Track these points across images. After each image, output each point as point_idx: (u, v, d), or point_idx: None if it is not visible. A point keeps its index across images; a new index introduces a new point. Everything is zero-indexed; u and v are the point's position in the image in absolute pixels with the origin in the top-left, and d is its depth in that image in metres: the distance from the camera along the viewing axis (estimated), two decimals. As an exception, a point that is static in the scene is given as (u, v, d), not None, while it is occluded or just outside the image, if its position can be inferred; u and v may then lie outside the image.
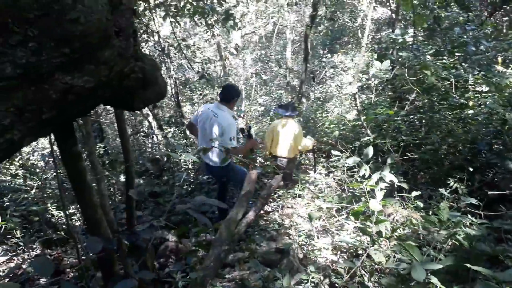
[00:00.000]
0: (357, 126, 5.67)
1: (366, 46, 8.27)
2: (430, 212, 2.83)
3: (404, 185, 3.08)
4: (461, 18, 4.98)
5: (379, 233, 2.32)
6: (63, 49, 0.98)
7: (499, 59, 4.27)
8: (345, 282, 2.13)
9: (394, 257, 2.31)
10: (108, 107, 5.40)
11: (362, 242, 2.61)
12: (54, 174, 4.44)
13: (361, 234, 2.62)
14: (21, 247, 3.11)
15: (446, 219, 2.45)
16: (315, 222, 3.06)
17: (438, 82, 4.27)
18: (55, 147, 1.63)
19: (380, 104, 5.43)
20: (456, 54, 4.49)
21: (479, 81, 4.08)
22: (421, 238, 2.57)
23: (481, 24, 5.30)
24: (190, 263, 2.44)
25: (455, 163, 4.00)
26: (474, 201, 2.68)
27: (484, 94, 4.08)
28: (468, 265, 1.77)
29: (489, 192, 3.18)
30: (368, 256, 2.29)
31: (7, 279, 2.66)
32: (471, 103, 4.06)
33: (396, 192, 3.34)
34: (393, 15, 6.73)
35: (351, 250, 2.75)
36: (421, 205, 3.03)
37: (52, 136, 1.51)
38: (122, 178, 4.75)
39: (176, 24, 5.17)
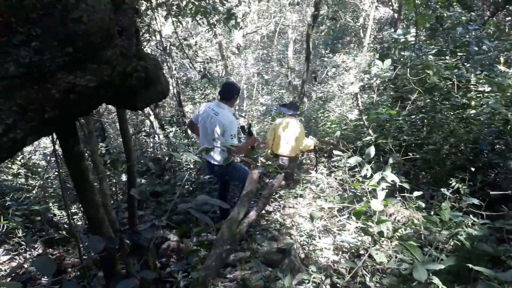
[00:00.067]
0: (358, 126, 5.66)
1: (368, 46, 8.22)
2: (432, 212, 2.83)
3: (406, 185, 3.08)
4: (463, 18, 4.98)
5: (380, 233, 2.32)
6: (66, 48, 0.99)
7: (502, 59, 4.27)
8: (346, 282, 2.13)
9: (396, 257, 2.31)
10: (110, 106, 5.42)
11: (364, 242, 2.61)
12: (56, 173, 4.46)
13: (362, 234, 2.62)
14: (23, 247, 3.12)
15: (448, 219, 2.44)
16: (316, 222, 3.06)
17: (440, 82, 4.26)
18: (57, 146, 1.64)
19: (382, 104, 5.41)
20: (458, 54, 4.49)
21: (481, 81, 4.07)
22: (422, 238, 2.57)
23: (484, 24, 5.29)
24: (191, 263, 2.44)
25: (457, 163, 3.99)
26: (476, 201, 2.67)
27: (486, 94, 4.07)
28: (470, 266, 1.77)
29: (491, 192, 3.17)
30: (370, 256, 2.29)
31: (9, 279, 2.67)
32: (473, 103, 4.05)
33: (397, 192, 3.35)
34: (395, 15, 6.72)
35: (353, 250, 2.75)
36: (423, 205, 3.03)
37: (54, 135, 1.51)
38: (124, 177, 4.76)
39: (178, 24, 5.18)
